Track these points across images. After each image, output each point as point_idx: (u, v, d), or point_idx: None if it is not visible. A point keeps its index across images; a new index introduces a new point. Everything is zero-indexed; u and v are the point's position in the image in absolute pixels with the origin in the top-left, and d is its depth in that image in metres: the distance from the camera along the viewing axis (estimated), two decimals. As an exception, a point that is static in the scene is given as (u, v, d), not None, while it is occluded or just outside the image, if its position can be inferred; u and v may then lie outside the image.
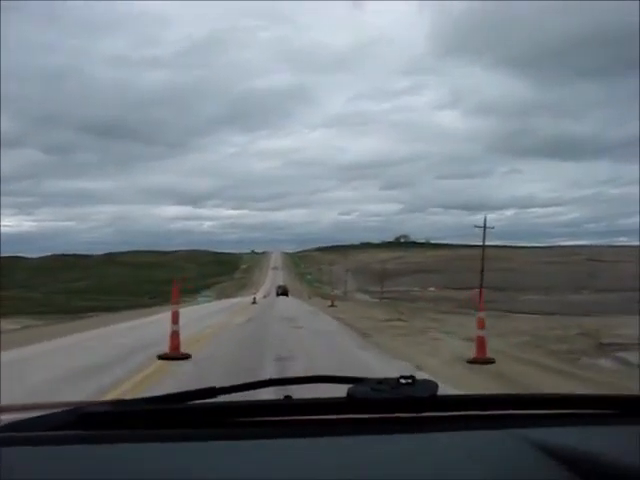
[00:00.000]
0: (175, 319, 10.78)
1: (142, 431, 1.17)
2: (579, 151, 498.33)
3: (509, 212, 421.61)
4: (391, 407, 1.23)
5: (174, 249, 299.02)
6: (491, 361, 10.09)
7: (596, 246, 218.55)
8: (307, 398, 1.33)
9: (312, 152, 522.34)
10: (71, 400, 2.12)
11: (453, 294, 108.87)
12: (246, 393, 1.36)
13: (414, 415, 1.26)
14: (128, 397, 1.40)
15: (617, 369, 9.98)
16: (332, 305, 39.22)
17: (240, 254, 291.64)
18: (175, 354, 10.21)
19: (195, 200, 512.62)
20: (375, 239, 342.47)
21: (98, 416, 1.21)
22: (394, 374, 1.31)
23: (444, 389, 1.59)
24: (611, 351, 11.49)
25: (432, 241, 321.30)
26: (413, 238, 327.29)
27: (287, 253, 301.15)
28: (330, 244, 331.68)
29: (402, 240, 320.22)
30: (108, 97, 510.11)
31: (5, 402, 3.34)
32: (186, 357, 10.15)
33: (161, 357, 10.05)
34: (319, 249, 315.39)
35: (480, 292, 11.64)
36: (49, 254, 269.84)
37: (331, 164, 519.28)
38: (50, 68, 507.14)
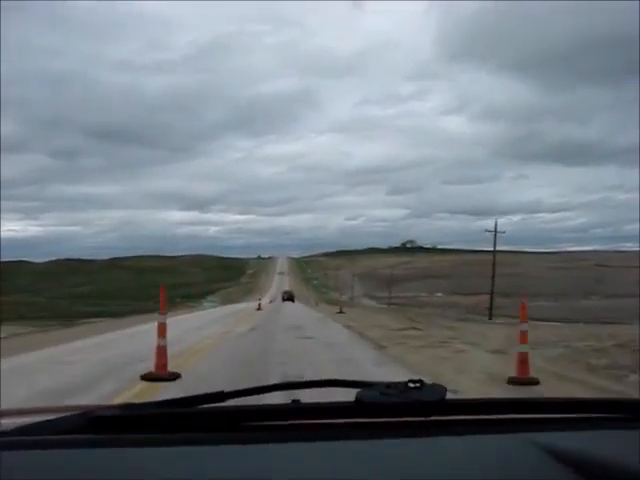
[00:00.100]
0: (162, 332, 9.29)
1: (152, 435, 1.17)
2: (586, 156, 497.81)
3: (516, 217, 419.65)
4: (400, 411, 1.23)
5: (180, 254, 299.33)
6: (535, 382, 8.61)
7: (603, 251, 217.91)
8: (315, 402, 1.32)
9: (318, 157, 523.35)
10: (81, 404, 2.09)
11: (461, 300, 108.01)
12: (255, 397, 1.36)
13: (423, 419, 1.25)
14: None
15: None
16: (340, 312, 37.78)
17: (246, 259, 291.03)
18: (161, 374, 8.69)
19: (201, 205, 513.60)
20: (382, 244, 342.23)
21: (108, 420, 1.21)
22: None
23: None
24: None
25: (439, 246, 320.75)
26: (420, 243, 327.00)
27: (293, 258, 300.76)
28: (336, 249, 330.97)
29: (409, 245, 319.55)
30: (114, 102, 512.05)
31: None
32: (174, 377, 8.62)
33: (145, 377, 8.57)
34: (325, 254, 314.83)
35: (523, 305, 9.96)
36: (54, 259, 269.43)
37: (337, 169, 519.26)
38: (56, 73, 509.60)
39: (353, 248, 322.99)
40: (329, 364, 10.93)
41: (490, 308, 50.23)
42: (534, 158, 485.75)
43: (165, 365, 8.88)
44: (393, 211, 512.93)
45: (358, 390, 1.25)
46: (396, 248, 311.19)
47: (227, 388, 1.33)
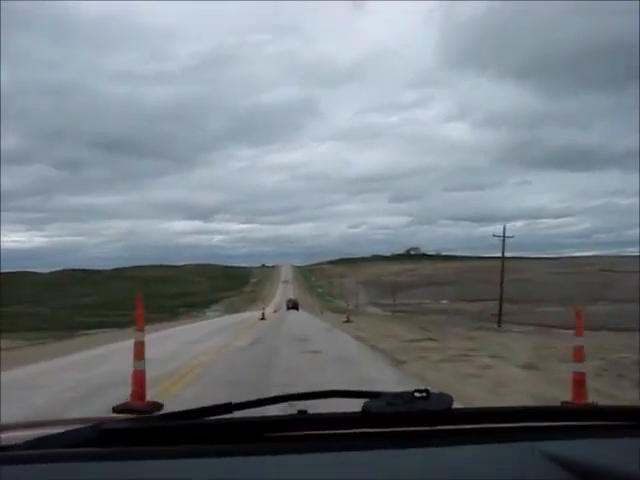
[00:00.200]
0: (139, 353, 7.66)
1: (162, 447, 1.18)
2: (588, 161, 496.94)
3: (519, 223, 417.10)
4: (407, 421, 1.24)
5: (184, 263, 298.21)
6: (596, 408, 7.14)
7: (607, 256, 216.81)
8: (322, 413, 1.32)
9: (320, 166, 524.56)
10: (89, 416, 2.10)
11: (466, 306, 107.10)
12: (262, 408, 1.38)
13: (429, 429, 1.26)
14: None
15: None
16: (348, 320, 36.09)
17: (250, 268, 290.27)
18: (138, 405, 7.09)
19: (204, 214, 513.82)
20: (385, 252, 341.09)
21: (117, 432, 1.22)
22: None
23: None
24: None
25: (443, 253, 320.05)
26: (423, 250, 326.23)
27: (297, 266, 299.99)
28: (340, 257, 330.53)
29: (412, 252, 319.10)
30: (117, 113, 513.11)
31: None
32: (155, 408, 6.96)
33: (118, 409, 7.02)
34: (329, 262, 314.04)
35: (578, 312, 8.44)
36: (59, 269, 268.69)
37: (339, 177, 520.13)
38: (59, 84, 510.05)
39: (357, 256, 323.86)
40: (342, 387, 9.19)
41: (499, 315, 48.89)
42: (537, 164, 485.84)
43: (143, 394, 7.30)
44: (396, 218, 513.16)
45: (365, 400, 1.27)
46: (400, 255, 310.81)
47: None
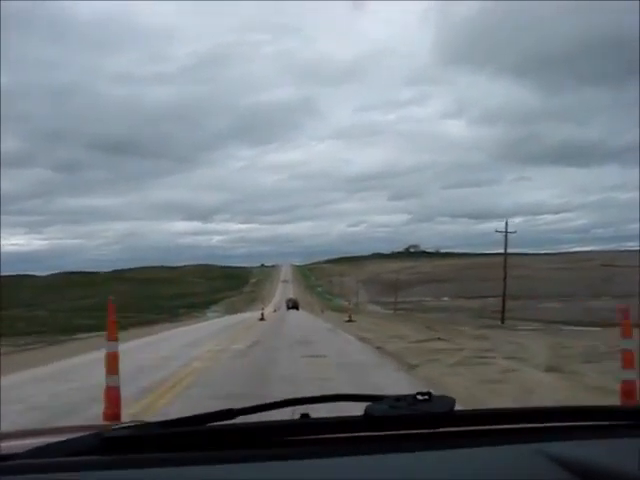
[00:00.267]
0: (112, 366, 6.58)
1: (164, 454, 1.19)
2: (586, 157, 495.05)
3: (517, 220, 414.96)
4: (409, 424, 1.25)
5: (183, 264, 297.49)
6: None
7: (606, 251, 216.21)
8: (325, 417, 1.33)
9: (319, 164, 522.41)
10: (90, 424, 2.21)
11: (467, 303, 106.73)
12: (264, 413, 1.38)
13: (432, 431, 1.27)
14: None
15: None
16: (350, 320, 35.32)
17: (250, 268, 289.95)
18: None
19: (204, 215, 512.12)
20: (384, 250, 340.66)
21: (120, 440, 1.22)
22: None
23: None
24: None
25: (442, 250, 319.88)
26: (423, 248, 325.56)
27: (297, 266, 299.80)
28: (339, 256, 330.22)
29: (412, 250, 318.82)
30: (115, 114, 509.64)
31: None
32: None
33: None
34: (328, 261, 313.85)
35: (626, 313, 7.24)
36: (58, 272, 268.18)
37: (338, 176, 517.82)
38: (58, 86, 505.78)
39: (356, 254, 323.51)
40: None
41: (502, 311, 48.14)
42: (535, 160, 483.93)
43: (117, 414, 6.22)
44: (395, 216, 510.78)
45: (367, 404, 1.26)
46: (399, 253, 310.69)
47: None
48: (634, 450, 1.17)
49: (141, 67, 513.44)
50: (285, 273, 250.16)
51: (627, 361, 6.54)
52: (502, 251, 55.49)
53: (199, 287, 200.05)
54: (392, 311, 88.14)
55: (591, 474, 1.08)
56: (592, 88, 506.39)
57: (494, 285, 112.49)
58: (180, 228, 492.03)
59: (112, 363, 6.73)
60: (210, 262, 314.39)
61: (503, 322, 44.91)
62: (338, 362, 12.88)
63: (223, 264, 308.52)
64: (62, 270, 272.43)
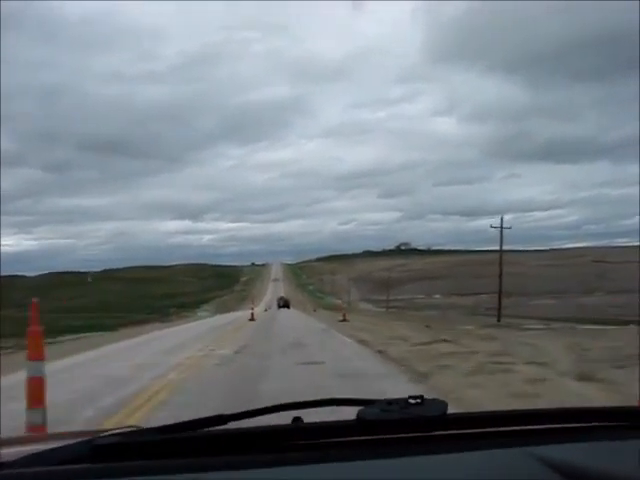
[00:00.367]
0: (36, 397, 4.95)
1: (156, 461, 1.17)
2: (576, 153, 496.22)
3: (508, 216, 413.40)
4: (402, 428, 1.24)
5: (174, 263, 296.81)
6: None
7: (598, 247, 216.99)
8: (317, 422, 1.32)
9: (309, 163, 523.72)
10: (83, 430, 2.00)
11: (460, 300, 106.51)
12: (256, 418, 1.36)
13: (425, 434, 1.27)
14: None
15: None
16: (344, 319, 34.53)
17: (241, 267, 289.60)
18: None
19: (194, 214, 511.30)
20: (376, 247, 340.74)
21: (110, 448, 1.21)
22: None
23: None
24: None
25: (433, 248, 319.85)
26: (414, 245, 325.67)
27: (287, 264, 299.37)
28: (330, 254, 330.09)
29: (403, 248, 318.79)
30: (105, 113, 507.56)
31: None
32: None
33: None
34: (319, 259, 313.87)
35: None
36: (48, 272, 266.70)
37: (329, 174, 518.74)
38: (47, 86, 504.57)
39: (347, 252, 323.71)
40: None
41: (499, 309, 48.04)
42: (525, 157, 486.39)
43: None
44: (386, 214, 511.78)
45: (359, 408, 1.26)
46: (390, 251, 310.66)
47: None
48: (628, 452, 1.19)
49: (130, 66, 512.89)
50: (276, 272, 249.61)
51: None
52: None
53: (190, 286, 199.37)
54: (384, 309, 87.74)
55: (583, 477, 1.08)
56: (582, 85, 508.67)
57: (486, 282, 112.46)
58: (170, 227, 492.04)
59: (35, 392, 4.98)
60: (201, 261, 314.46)
61: (499, 320, 44.56)
62: (338, 371, 11.52)
63: (214, 263, 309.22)
64: (52, 270, 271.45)
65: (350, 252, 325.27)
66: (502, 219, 53.83)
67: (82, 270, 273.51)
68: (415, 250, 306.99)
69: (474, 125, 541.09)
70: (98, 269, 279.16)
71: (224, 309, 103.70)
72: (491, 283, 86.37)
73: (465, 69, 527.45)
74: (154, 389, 10.12)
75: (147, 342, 23.25)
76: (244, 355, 15.47)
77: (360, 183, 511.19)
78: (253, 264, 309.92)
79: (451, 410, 1.26)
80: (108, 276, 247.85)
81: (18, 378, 11.74)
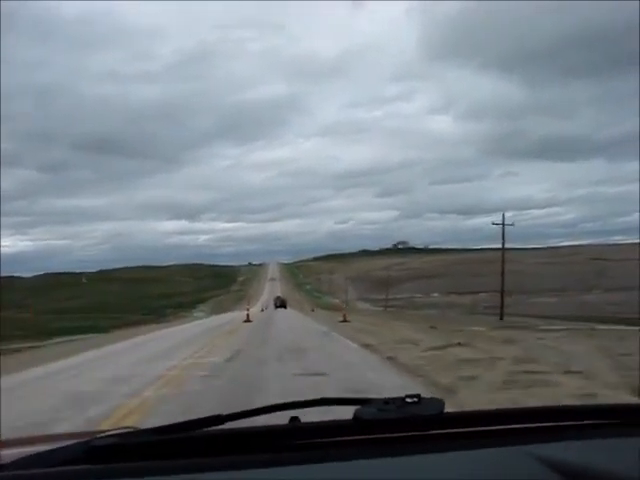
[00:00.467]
0: None
1: (153, 462, 1.18)
2: (573, 151, 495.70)
3: (506, 215, 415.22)
4: (398, 427, 1.24)
5: (170, 264, 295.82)
6: None
7: (595, 245, 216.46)
8: (314, 421, 1.32)
9: (306, 162, 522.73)
10: (80, 431, 2.04)
11: (458, 299, 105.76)
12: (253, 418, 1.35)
13: (422, 433, 1.27)
14: None
15: None
16: (344, 320, 33.38)
17: (237, 266, 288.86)
18: None
19: (190, 214, 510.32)
20: (373, 246, 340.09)
21: (107, 449, 1.21)
22: None
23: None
24: None
25: (431, 246, 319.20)
26: (412, 244, 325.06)
27: (285, 264, 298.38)
28: (327, 253, 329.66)
29: (400, 246, 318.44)
30: (100, 113, 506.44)
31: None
32: None
33: None
34: (316, 259, 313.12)
35: None
36: (44, 273, 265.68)
37: (326, 173, 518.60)
38: (41, 85, 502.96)
39: (344, 251, 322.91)
40: None
41: (501, 307, 47.04)
42: (521, 155, 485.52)
43: None
44: (383, 213, 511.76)
45: (356, 407, 1.26)
46: (387, 250, 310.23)
47: None
48: (626, 450, 1.20)
49: (126, 66, 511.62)
50: (273, 271, 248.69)
51: None
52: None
53: (187, 286, 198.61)
54: (382, 308, 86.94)
55: (581, 476, 1.08)
56: (578, 82, 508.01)
57: (485, 280, 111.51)
58: (167, 228, 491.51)
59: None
60: (197, 261, 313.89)
61: (502, 318, 43.89)
62: (346, 384, 9.90)
63: (211, 263, 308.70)
64: (48, 271, 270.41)
65: (347, 251, 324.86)
66: (504, 216, 52.57)
67: (78, 271, 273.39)
68: (412, 249, 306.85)
69: (470, 123, 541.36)
70: (94, 270, 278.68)
71: (220, 309, 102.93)
72: (488, 281, 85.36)
73: (461, 67, 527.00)
74: (122, 412, 8.57)
75: (134, 347, 22.01)
76: (236, 363, 14.03)
77: (357, 182, 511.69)
78: (250, 264, 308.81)
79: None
80: (105, 276, 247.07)
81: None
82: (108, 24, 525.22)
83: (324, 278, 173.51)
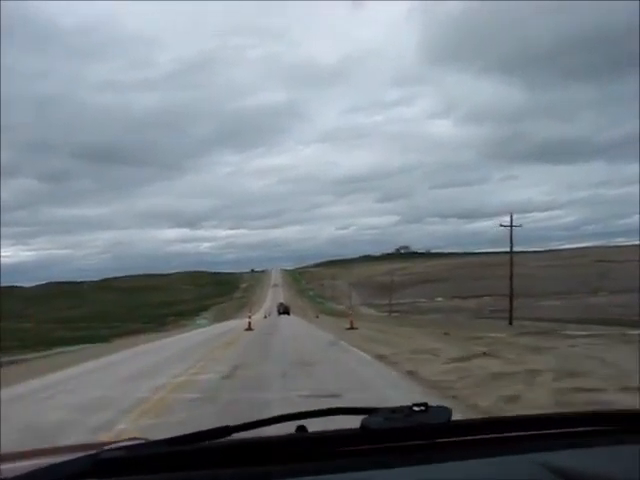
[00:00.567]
0: None
1: (160, 475, 1.18)
2: (573, 154, 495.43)
3: (506, 218, 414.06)
4: (406, 436, 1.25)
5: (172, 272, 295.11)
6: None
7: (597, 247, 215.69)
8: (321, 431, 1.31)
9: (307, 168, 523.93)
10: (87, 443, 1.99)
11: (463, 303, 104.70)
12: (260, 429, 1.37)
13: (429, 442, 1.27)
14: None
15: None
16: (352, 327, 31.82)
17: (240, 273, 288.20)
18: None
19: (192, 222, 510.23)
20: (374, 252, 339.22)
21: (114, 462, 1.20)
22: None
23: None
24: None
25: (432, 251, 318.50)
26: (413, 249, 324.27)
27: (287, 270, 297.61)
28: (329, 259, 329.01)
29: (402, 251, 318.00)
30: (100, 122, 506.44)
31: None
32: None
33: None
34: (318, 264, 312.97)
35: None
36: (44, 282, 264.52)
37: (326, 179, 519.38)
38: (41, 95, 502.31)
39: (346, 257, 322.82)
40: None
41: (510, 311, 45.79)
42: (522, 158, 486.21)
43: None
44: (384, 218, 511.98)
45: (363, 417, 1.27)
46: (389, 255, 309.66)
47: None
48: (634, 457, 1.18)
49: (125, 74, 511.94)
50: (275, 278, 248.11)
51: None
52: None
53: (188, 294, 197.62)
54: (386, 313, 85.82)
55: None
56: (578, 85, 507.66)
57: (488, 284, 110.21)
58: (168, 236, 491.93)
59: None
60: (199, 269, 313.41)
61: (511, 322, 42.96)
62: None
63: (213, 270, 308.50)
64: (50, 280, 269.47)
65: (349, 257, 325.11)
66: (512, 217, 51.36)
67: (80, 280, 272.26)
68: (414, 253, 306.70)
69: (471, 127, 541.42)
70: (96, 278, 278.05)
71: (222, 317, 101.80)
72: (492, 285, 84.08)
73: (461, 71, 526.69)
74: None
75: (124, 360, 20.69)
76: (233, 382, 12.57)
77: (357, 187, 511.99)
78: (252, 271, 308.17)
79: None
80: (106, 285, 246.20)
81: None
82: (107, 33, 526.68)
83: (327, 284, 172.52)
